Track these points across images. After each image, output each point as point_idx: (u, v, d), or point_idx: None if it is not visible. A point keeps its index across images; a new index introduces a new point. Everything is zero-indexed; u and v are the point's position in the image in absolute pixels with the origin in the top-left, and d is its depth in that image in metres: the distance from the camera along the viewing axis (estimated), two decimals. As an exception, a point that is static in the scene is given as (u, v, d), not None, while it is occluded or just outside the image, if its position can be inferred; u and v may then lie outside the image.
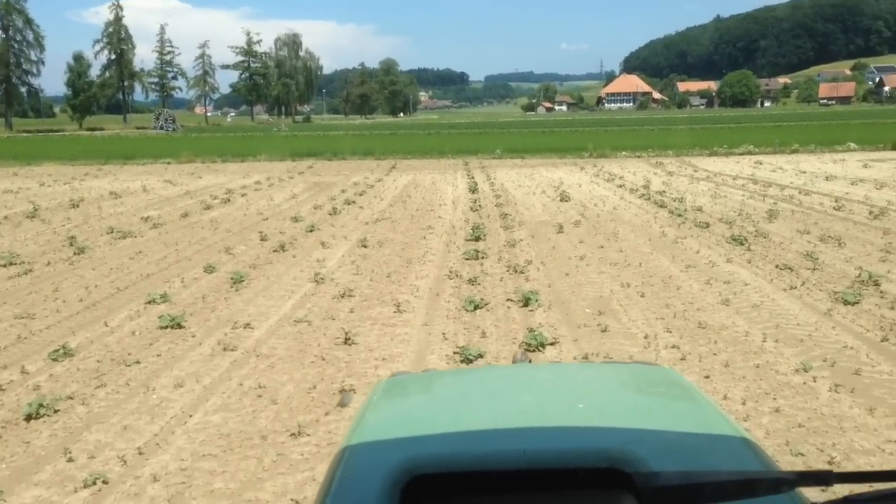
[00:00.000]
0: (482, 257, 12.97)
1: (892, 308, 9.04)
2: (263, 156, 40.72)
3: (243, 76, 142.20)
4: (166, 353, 8.23)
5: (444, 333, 8.69)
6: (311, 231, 16.39)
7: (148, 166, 38.21)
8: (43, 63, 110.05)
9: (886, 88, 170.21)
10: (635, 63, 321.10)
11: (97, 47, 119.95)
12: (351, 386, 6.96)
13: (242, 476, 5.35)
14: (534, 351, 7.85)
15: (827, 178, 24.95)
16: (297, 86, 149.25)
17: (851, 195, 20.29)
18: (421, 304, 10.06)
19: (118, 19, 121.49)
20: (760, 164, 31.81)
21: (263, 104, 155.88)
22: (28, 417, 6.47)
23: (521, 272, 11.69)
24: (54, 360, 8.00)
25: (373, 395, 2.48)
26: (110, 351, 8.33)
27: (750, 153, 37.44)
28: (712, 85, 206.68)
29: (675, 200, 19.89)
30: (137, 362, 7.87)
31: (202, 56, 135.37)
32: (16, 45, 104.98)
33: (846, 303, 9.25)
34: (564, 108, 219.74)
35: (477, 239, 14.72)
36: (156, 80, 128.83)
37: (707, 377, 6.94)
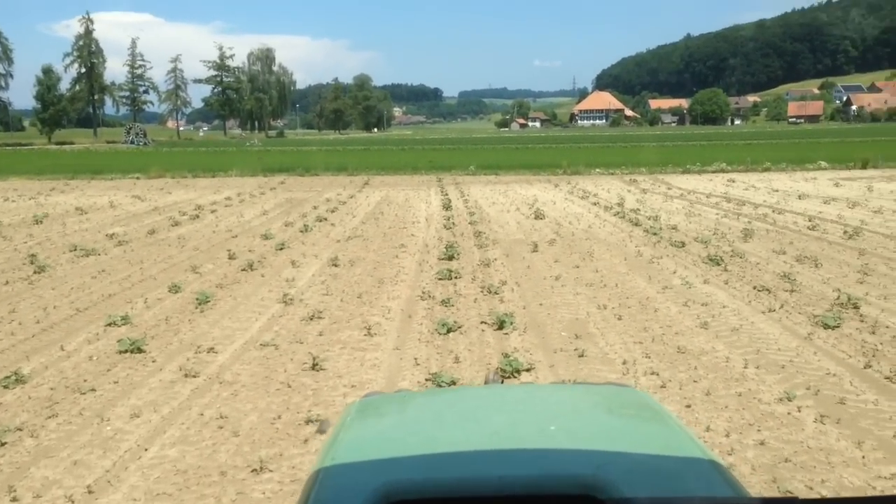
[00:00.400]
0: (456, 277, 12.69)
1: (874, 332, 8.87)
2: (235, 171, 40.21)
3: (216, 90, 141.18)
4: (124, 379, 7.83)
5: (416, 358, 8.38)
6: (282, 249, 16.02)
7: (116, 181, 37.55)
8: (11, 76, 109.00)
9: (853, 107, 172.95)
10: (608, 80, 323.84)
11: (67, 60, 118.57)
12: (318, 416, 6.62)
13: (198, 518, 4.99)
14: (509, 377, 7.57)
15: (799, 197, 25.03)
16: (271, 100, 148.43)
17: (825, 214, 20.30)
18: (392, 327, 9.75)
19: (89, 32, 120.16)
20: (733, 181, 31.91)
21: (236, 119, 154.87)
22: (-29, 452, 6.06)
23: (496, 293, 11.43)
24: (5, 387, 7.58)
25: (346, 415, 2.47)
26: (65, 377, 7.92)
27: (723, 171, 37.60)
28: (683, 102, 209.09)
29: (649, 219, 19.77)
30: (93, 390, 7.47)
31: (174, 70, 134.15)
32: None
33: (826, 327, 9.08)
34: (538, 124, 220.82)
35: (450, 258, 14.44)
36: (127, 93, 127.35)
37: (689, 406, 6.69)
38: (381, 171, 40.82)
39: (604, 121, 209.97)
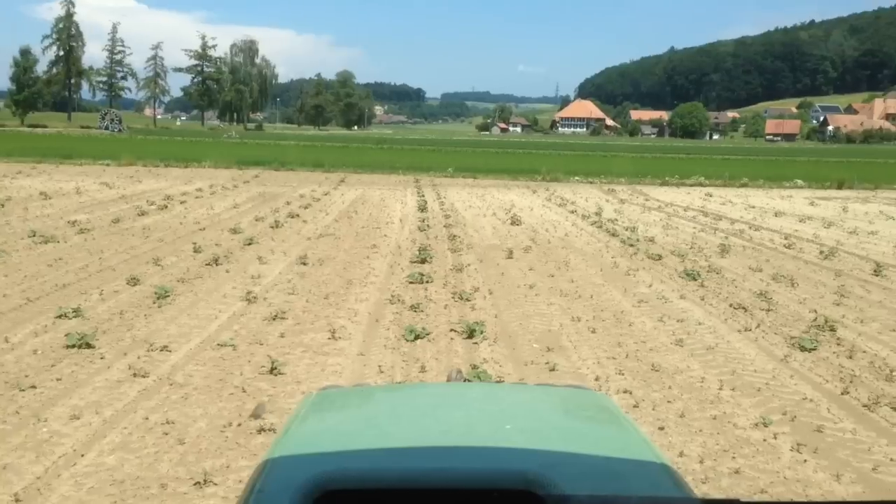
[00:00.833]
0: (427, 281, 12.33)
1: (851, 357, 8.64)
2: (209, 162, 39.47)
3: (196, 80, 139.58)
4: (68, 377, 7.38)
5: (380, 366, 8.03)
6: (250, 244, 15.56)
7: (85, 167, 36.67)
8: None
9: (830, 128, 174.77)
10: (590, 89, 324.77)
11: (46, 42, 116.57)
12: (271, 425, 6.24)
13: (130, 536, 4.60)
14: (476, 390, 7.22)
15: (776, 214, 24.97)
16: (251, 93, 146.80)
17: (801, 233, 20.20)
18: (358, 331, 9.38)
19: (69, 15, 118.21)
20: (710, 196, 31.84)
21: (215, 109, 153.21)
22: None
23: (467, 300, 11.08)
24: (-61, 380, 7.12)
25: (301, 407, 2.43)
26: (5, 372, 7.45)
27: (701, 184, 37.59)
28: (664, 115, 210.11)
29: (627, 230, 19.53)
30: (33, 387, 7.02)
31: (154, 57, 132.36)
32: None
33: (803, 349, 8.84)
34: (519, 129, 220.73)
35: (423, 261, 14.09)
36: (104, 79, 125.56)
37: (662, 428, 6.39)
38: (358, 168, 40.35)
39: (584, 129, 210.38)
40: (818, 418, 6.76)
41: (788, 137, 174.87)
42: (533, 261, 14.61)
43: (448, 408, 2.39)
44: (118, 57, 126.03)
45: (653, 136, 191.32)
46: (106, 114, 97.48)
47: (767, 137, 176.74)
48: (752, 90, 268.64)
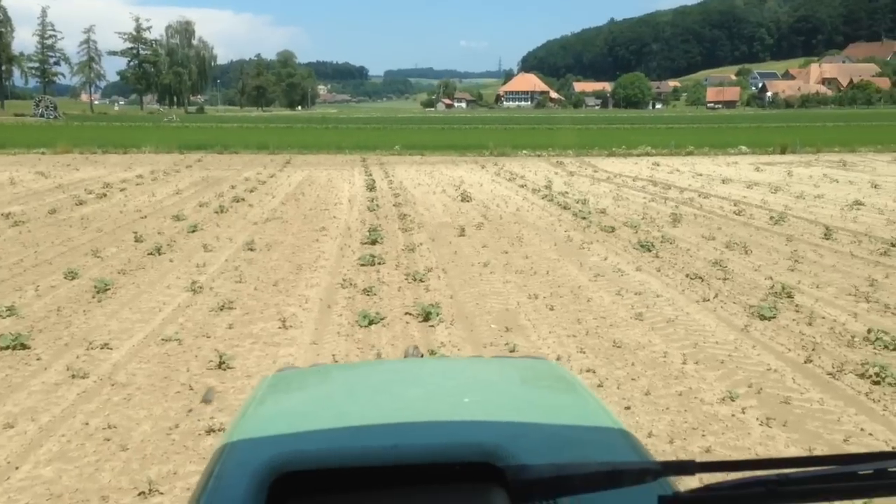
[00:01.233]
0: (379, 263, 12.02)
1: (811, 324, 8.58)
2: (149, 147, 38.35)
3: (132, 63, 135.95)
4: (1, 381, 6.91)
5: (334, 354, 7.71)
6: (194, 231, 15.04)
7: (19, 156, 35.35)
8: None
9: (769, 94, 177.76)
10: (533, 62, 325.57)
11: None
12: (221, 424, 5.89)
13: (70, 557, 4.24)
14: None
15: (723, 181, 25.13)
16: (190, 75, 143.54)
17: (749, 199, 20.31)
18: (310, 319, 9.03)
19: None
20: (658, 165, 31.98)
21: (154, 93, 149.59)
22: None
23: (421, 280, 10.80)
24: None
25: (257, 390, 2.41)
26: (-69, 380, 6.96)
27: (648, 154, 37.75)
28: (607, 86, 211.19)
29: (578, 202, 19.41)
30: (-38, 395, 6.55)
31: (87, 41, 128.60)
32: None
33: (763, 318, 8.75)
34: (464, 104, 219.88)
35: (374, 242, 13.75)
36: (36, 65, 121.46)
37: (628, 408, 6.21)
38: (303, 149, 39.61)
39: (529, 103, 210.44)
40: (784, 389, 6.65)
41: (729, 104, 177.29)
42: (486, 237, 14.38)
43: (405, 384, 2.39)
44: (49, 42, 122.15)
45: (597, 107, 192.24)
46: (40, 101, 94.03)
47: (709, 105, 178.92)
48: (692, 59, 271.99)
